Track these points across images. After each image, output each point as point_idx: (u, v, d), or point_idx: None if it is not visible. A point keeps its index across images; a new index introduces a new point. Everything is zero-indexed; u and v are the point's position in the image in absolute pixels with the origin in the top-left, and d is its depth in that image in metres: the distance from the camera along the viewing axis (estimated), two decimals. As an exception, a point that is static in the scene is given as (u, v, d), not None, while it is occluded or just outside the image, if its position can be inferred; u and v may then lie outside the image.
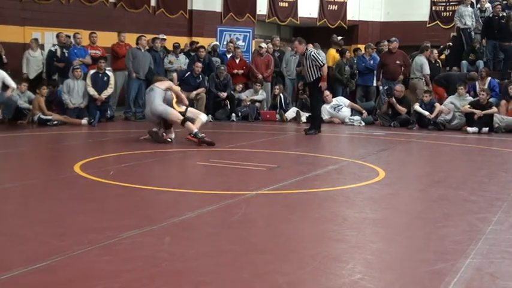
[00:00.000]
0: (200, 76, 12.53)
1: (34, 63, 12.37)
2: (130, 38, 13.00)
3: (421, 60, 12.64)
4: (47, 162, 7.01)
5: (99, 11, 14.43)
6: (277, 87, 13.40)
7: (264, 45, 13.53)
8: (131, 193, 4.96)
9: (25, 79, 11.86)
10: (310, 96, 10.81)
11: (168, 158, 7.27)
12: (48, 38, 13.02)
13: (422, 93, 11.82)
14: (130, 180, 5.40)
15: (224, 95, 12.72)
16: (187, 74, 12.52)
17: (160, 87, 8.58)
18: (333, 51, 14.09)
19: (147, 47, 12.73)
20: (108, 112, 11.69)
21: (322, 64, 9.97)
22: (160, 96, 8.50)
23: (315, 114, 10.48)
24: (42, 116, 10.76)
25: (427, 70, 12.53)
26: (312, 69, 10.04)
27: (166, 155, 7.51)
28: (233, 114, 12.68)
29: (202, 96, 12.52)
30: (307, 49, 10.15)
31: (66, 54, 12.23)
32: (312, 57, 9.94)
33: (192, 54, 13.55)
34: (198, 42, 14.20)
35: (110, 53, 12.84)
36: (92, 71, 11.68)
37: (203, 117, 8.89)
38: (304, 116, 12.50)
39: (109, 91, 11.65)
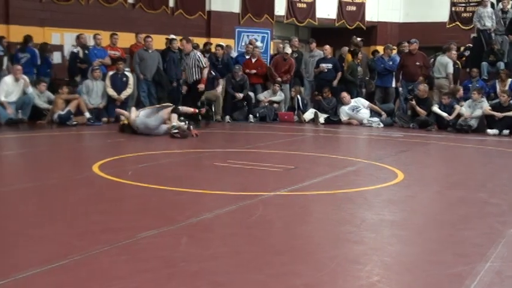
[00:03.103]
0: (212, 72, 12.49)
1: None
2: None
3: (445, 59, 12.55)
4: (65, 162, 7.05)
5: (117, 11, 14.49)
6: (293, 89, 13.40)
7: (289, 50, 13.40)
8: (149, 193, 4.97)
9: (43, 79, 11.92)
10: (187, 95, 10.95)
11: (185, 158, 7.28)
12: (67, 39, 13.09)
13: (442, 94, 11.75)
14: (148, 181, 5.42)
15: (240, 95, 12.72)
16: None
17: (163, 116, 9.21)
18: (348, 54, 14.05)
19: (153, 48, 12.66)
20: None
21: (203, 66, 10.54)
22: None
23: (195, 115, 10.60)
24: (62, 112, 10.80)
25: (451, 69, 12.45)
26: (194, 69, 10.46)
27: (184, 155, 7.53)
28: (251, 115, 12.68)
29: (218, 97, 12.52)
30: (193, 49, 10.73)
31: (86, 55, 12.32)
32: (197, 57, 10.51)
33: (207, 55, 13.50)
34: (211, 44, 14.24)
35: (129, 54, 12.91)
36: (110, 72, 11.76)
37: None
38: (323, 117, 12.47)
39: (128, 92, 11.73)
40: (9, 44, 12.38)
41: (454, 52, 13.17)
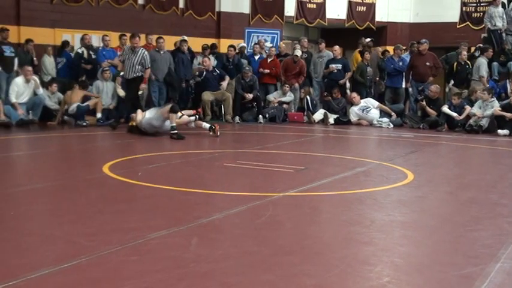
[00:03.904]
0: (217, 70, 12.53)
1: (49, 67, 12.54)
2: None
3: (480, 61, 12.49)
4: (76, 162, 7.09)
5: (127, 12, 14.55)
6: (303, 90, 13.40)
7: (299, 52, 13.37)
8: (159, 194, 5.00)
9: (54, 80, 11.97)
10: (127, 92, 10.81)
11: (195, 159, 7.31)
12: (78, 40, 13.16)
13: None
14: (158, 181, 5.45)
15: (250, 96, 12.73)
16: (204, 73, 12.53)
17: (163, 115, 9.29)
18: (357, 54, 14.04)
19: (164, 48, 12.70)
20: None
21: (148, 66, 10.46)
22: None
23: (122, 109, 10.65)
24: (82, 104, 10.87)
25: (482, 72, 12.37)
26: (137, 66, 10.32)
27: (193, 156, 7.55)
28: (260, 116, 12.68)
29: (228, 97, 12.53)
30: (141, 47, 10.63)
31: (93, 56, 12.35)
32: (144, 55, 10.36)
33: (212, 56, 13.47)
34: (216, 45, 14.31)
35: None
36: (122, 73, 11.80)
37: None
38: (332, 117, 12.47)
39: (138, 93, 11.76)
40: (19, 44, 12.49)
41: (464, 53, 13.12)
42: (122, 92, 11.50)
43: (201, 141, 9.17)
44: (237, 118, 12.58)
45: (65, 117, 11.12)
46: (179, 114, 9.39)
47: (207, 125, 9.58)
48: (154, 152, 7.65)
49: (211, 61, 13.07)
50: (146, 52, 10.57)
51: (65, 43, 12.69)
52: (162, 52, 12.33)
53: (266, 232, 3.80)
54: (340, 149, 8.71)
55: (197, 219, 4.02)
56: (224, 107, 12.67)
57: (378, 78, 13.91)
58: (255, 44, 14.74)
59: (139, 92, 10.84)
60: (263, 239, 3.65)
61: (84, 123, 10.72)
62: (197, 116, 9.80)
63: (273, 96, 13.26)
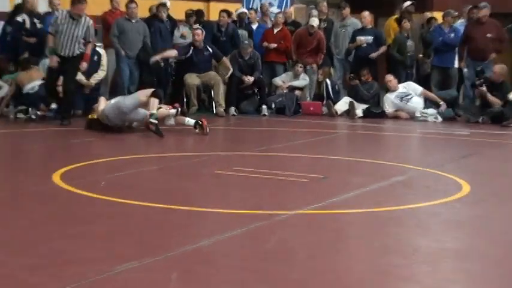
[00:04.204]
0: (208, 48, 12.49)
1: None
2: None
3: None
4: (17, 169, 7.08)
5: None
6: (321, 70, 13.37)
7: (315, 21, 13.31)
8: (128, 212, 4.98)
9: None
10: (64, 75, 10.67)
11: (176, 164, 7.29)
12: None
13: None
14: (127, 195, 5.42)
15: (250, 79, 12.72)
16: (190, 51, 12.48)
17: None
18: (393, 23, 14.02)
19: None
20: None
21: (91, 39, 10.50)
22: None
23: (66, 100, 10.57)
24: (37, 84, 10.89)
25: None
26: (77, 42, 10.27)
27: (174, 160, 7.55)
28: (264, 107, 12.66)
29: (216, 81, 12.46)
30: (86, 15, 10.52)
31: (39, 25, 12.12)
32: (89, 25, 10.36)
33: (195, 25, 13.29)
34: (203, 12, 14.29)
35: (101, 24, 12.90)
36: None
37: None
38: (360, 108, 12.44)
39: (100, 75, 11.79)
40: None
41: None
42: (78, 75, 11.48)
43: (185, 140, 9.16)
44: (232, 109, 12.57)
45: (5, 109, 11.12)
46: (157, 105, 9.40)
47: (191, 121, 9.57)
48: (122, 155, 7.64)
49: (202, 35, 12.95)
50: (91, 21, 10.48)
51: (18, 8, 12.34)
52: (134, 21, 12.34)
53: (272, 264, 3.78)
54: (372, 150, 8.70)
55: (179, 246, 4.00)
56: (214, 94, 12.63)
57: (421, 56, 13.89)
58: (251, 9, 14.70)
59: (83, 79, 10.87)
60: (268, 273, 3.63)
61: (33, 117, 10.64)
62: (179, 110, 9.77)
63: (282, 80, 13.26)
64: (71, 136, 9.37)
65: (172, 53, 11.78)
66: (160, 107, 9.46)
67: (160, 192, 5.79)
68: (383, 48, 13.37)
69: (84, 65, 10.51)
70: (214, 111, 12.43)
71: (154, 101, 9.03)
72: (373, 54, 13.21)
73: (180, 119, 9.70)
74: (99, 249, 3.96)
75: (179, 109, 9.82)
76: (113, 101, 9.50)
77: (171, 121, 9.70)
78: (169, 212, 4.96)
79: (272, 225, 4.60)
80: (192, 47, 12.43)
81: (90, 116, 9.82)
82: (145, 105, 9.18)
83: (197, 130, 9.35)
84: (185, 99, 12.34)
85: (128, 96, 9.36)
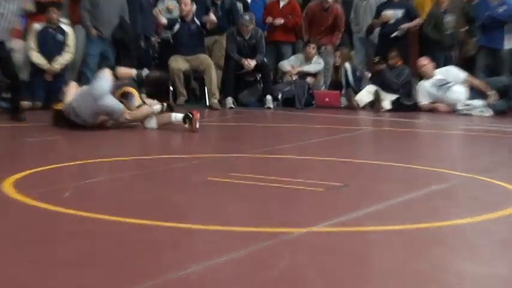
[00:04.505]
0: (197, 21, 12.48)
1: None
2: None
3: None
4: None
5: None
6: (339, 52, 13.35)
7: None
8: (100, 230, 4.96)
9: None
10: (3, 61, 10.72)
11: (160, 170, 7.29)
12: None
13: None
14: (99, 208, 5.41)
15: (252, 63, 12.73)
16: (176, 26, 12.48)
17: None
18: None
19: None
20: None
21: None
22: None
23: (14, 89, 10.63)
24: None
25: None
26: (13, 19, 10.30)
27: (157, 164, 7.56)
28: (268, 97, 12.66)
29: (208, 66, 12.44)
30: None
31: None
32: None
33: None
34: None
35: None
36: (37, 26, 11.77)
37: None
38: (388, 99, 12.44)
39: (66, 58, 11.81)
40: None
41: None
42: (38, 58, 11.51)
43: (171, 139, 9.16)
44: (229, 101, 12.57)
45: None
46: (137, 99, 9.40)
47: (179, 115, 9.56)
48: (93, 158, 7.66)
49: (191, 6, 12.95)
50: None
51: None
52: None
53: (280, 295, 3.79)
54: (403, 152, 8.73)
55: (163, 273, 3.99)
56: (206, 82, 12.61)
57: (464, 34, 13.87)
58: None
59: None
60: (275, 306, 3.63)
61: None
62: (165, 106, 9.75)
63: (290, 64, 13.26)
64: (27, 134, 9.38)
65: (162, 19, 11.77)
66: (142, 103, 9.47)
67: (140, 204, 5.76)
68: (417, 21, 13.33)
69: (16, 43, 10.55)
70: (207, 103, 12.44)
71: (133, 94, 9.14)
72: (404, 25, 13.16)
73: (164, 118, 9.69)
74: (63, 278, 3.92)
75: (165, 105, 9.80)
76: (84, 87, 9.51)
77: (152, 123, 9.67)
78: (151, 230, 4.94)
79: (279, 246, 4.58)
80: (178, 22, 12.44)
81: (55, 107, 9.76)
82: (124, 97, 9.23)
83: (186, 125, 9.36)
84: (171, 88, 12.33)
85: (103, 85, 9.35)
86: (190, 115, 9.34)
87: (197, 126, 9.30)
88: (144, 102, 9.53)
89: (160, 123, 9.66)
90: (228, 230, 5.01)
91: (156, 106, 9.62)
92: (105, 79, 9.36)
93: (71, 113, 9.26)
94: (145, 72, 10.02)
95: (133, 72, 10.01)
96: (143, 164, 7.51)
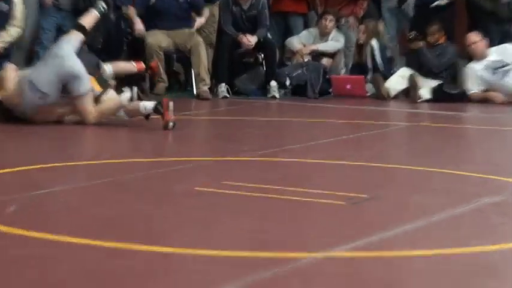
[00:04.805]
0: None
1: None
2: None
3: None
4: None
5: None
6: (363, 26, 13.38)
7: None
8: (54, 254, 4.89)
9: None
10: None
11: (134, 177, 7.27)
12: None
13: None
14: (52, 226, 5.39)
15: (252, 40, 12.72)
16: None
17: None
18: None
19: None
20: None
21: None
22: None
23: None
24: None
25: None
26: None
27: (131, 170, 7.55)
28: (273, 84, 12.67)
29: (196, 44, 12.44)
30: None
31: None
32: None
33: None
34: None
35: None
36: None
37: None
38: (428, 86, 12.43)
39: (12, 33, 11.82)
40: None
41: None
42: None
43: (149, 138, 9.11)
44: (222, 88, 12.57)
45: None
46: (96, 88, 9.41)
47: (148, 105, 9.47)
48: (45, 162, 7.63)
49: None
50: None
51: None
52: None
53: None
54: (446, 155, 8.73)
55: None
56: (193, 64, 12.61)
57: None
58: None
59: None
60: None
61: None
62: (135, 90, 9.67)
63: (301, 42, 13.25)
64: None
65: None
66: (103, 92, 9.47)
67: (108, 222, 5.71)
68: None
69: None
70: (194, 92, 12.44)
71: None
72: None
73: (132, 107, 9.59)
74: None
75: (136, 89, 9.72)
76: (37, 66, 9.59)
77: (121, 112, 9.68)
78: (122, 255, 4.88)
79: (285, 276, 4.51)
80: None
81: None
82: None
83: (160, 117, 9.28)
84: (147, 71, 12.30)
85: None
86: (160, 106, 9.22)
87: (171, 122, 9.20)
88: (104, 90, 9.53)
89: (130, 114, 9.64)
90: (219, 256, 4.94)
91: (125, 94, 9.54)
92: (71, 40, 9.48)
93: (20, 100, 9.24)
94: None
95: (133, 68, 10.13)
96: (111, 170, 7.45)
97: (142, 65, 10.39)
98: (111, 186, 6.92)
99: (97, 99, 9.36)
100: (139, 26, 12.58)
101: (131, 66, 10.29)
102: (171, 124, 9.19)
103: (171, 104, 9.27)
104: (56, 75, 9.23)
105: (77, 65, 9.31)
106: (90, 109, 9.21)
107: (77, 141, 8.81)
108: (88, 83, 9.29)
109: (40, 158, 7.88)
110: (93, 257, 4.87)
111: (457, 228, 5.68)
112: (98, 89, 9.54)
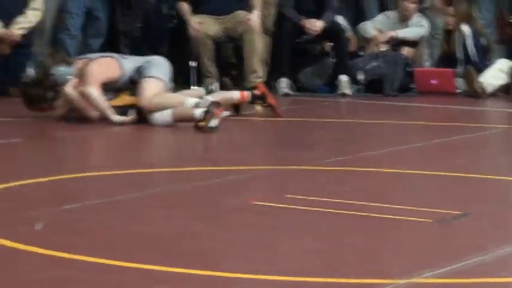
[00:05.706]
0: None
1: None
2: None
3: None
4: None
5: None
6: (452, 9, 13.36)
7: None
8: (86, 277, 4.95)
9: None
10: None
11: (180, 189, 7.33)
12: None
13: None
14: (83, 246, 5.46)
15: (317, 26, 12.75)
16: None
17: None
18: None
19: None
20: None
21: None
22: None
23: None
24: None
25: None
26: None
27: (176, 180, 7.61)
28: (343, 78, 12.70)
29: (249, 29, 12.44)
30: None
31: None
32: None
33: None
34: None
35: None
36: None
37: None
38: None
39: (30, 19, 11.90)
40: None
41: None
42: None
43: (194, 143, 9.21)
44: (283, 84, 12.61)
45: None
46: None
47: (197, 111, 9.57)
48: (73, 171, 7.73)
49: None
50: None
51: None
52: None
53: None
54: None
55: None
56: (245, 54, 12.63)
57: None
58: None
59: None
60: None
61: None
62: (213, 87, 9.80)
63: (377, 28, 13.28)
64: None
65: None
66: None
67: (151, 241, 5.79)
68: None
69: None
70: (248, 86, 12.46)
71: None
72: None
73: (183, 111, 9.68)
74: None
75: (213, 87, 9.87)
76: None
77: (165, 115, 9.72)
78: (167, 279, 4.92)
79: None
80: None
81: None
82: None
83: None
84: (193, 64, 12.38)
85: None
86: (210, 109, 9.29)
87: (214, 125, 9.32)
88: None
89: (177, 118, 9.71)
90: (283, 281, 4.97)
91: (192, 100, 9.63)
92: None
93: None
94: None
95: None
96: (154, 180, 7.53)
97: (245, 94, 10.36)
98: (154, 199, 6.99)
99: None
100: (195, 26, 12.52)
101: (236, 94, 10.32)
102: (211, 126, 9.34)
103: (221, 112, 9.39)
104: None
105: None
106: (150, 95, 9.30)
107: (111, 147, 8.87)
108: (164, 75, 9.48)
109: (68, 166, 7.96)
110: (138, 282, 4.91)
111: None
112: (125, 101, 9.61)
